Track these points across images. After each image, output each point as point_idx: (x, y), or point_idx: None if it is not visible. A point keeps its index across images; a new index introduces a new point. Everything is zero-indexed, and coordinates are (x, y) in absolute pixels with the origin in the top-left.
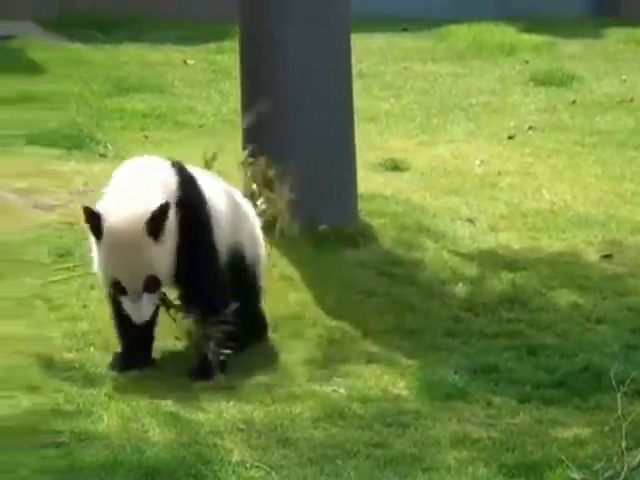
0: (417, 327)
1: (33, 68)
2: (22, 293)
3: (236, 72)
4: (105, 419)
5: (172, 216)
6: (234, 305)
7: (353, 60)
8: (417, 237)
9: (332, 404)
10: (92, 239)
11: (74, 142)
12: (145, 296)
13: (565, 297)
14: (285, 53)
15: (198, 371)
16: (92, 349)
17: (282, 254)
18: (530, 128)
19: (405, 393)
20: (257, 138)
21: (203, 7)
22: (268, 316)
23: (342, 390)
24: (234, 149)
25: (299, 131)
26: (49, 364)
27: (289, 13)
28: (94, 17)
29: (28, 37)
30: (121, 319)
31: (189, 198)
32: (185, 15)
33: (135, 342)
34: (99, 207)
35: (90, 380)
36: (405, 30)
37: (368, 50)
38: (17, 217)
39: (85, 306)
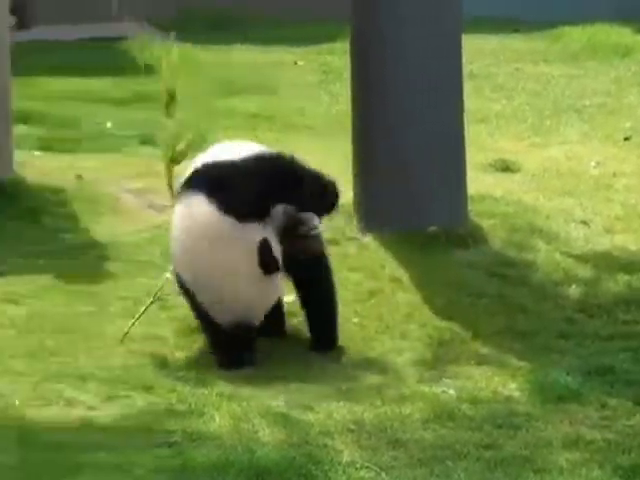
0: (529, 329)
1: (147, 69)
2: (136, 293)
3: (346, 73)
4: (217, 419)
5: None
6: None
7: (464, 61)
8: (529, 238)
9: (442, 405)
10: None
11: (186, 143)
12: None
13: None
14: (396, 53)
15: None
16: (203, 349)
17: (391, 255)
18: None
19: (516, 395)
20: (367, 140)
21: (316, 8)
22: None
23: (452, 391)
24: (343, 150)
25: (409, 131)
26: (162, 364)
27: (401, 13)
28: (207, 18)
29: (142, 38)
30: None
31: None
32: (297, 16)
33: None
34: None
35: (202, 380)
36: (516, 31)
37: (480, 51)
38: (132, 217)
39: None
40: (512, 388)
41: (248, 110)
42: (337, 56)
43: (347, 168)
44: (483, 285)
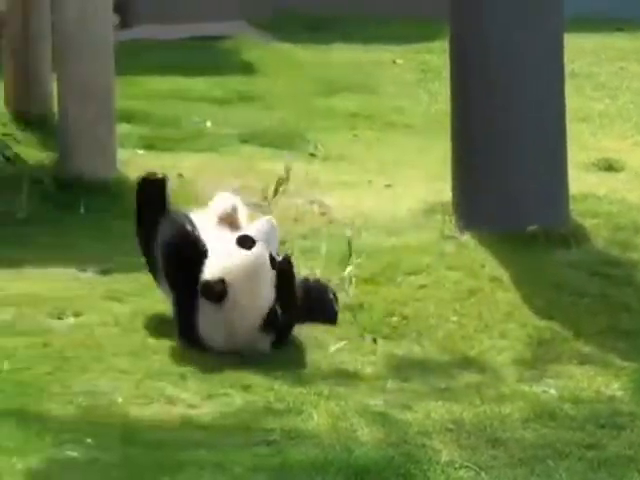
0: (633, 328)
1: (247, 68)
2: None
3: (445, 72)
4: (315, 418)
5: None
6: None
7: (565, 60)
8: (633, 237)
9: (542, 405)
10: None
11: (285, 142)
12: None
13: None
14: (496, 53)
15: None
16: (301, 348)
17: (491, 255)
18: None
19: (619, 394)
20: (466, 139)
21: (414, 6)
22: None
23: (553, 391)
24: (442, 149)
25: (509, 131)
26: (260, 362)
27: (501, 13)
28: (305, 17)
29: (242, 37)
30: None
31: None
32: (395, 15)
33: None
34: None
35: (299, 379)
36: (620, 30)
37: (581, 50)
38: None
39: None
40: (615, 388)
41: (347, 109)
42: (436, 55)
43: (445, 167)
44: (585, 284)
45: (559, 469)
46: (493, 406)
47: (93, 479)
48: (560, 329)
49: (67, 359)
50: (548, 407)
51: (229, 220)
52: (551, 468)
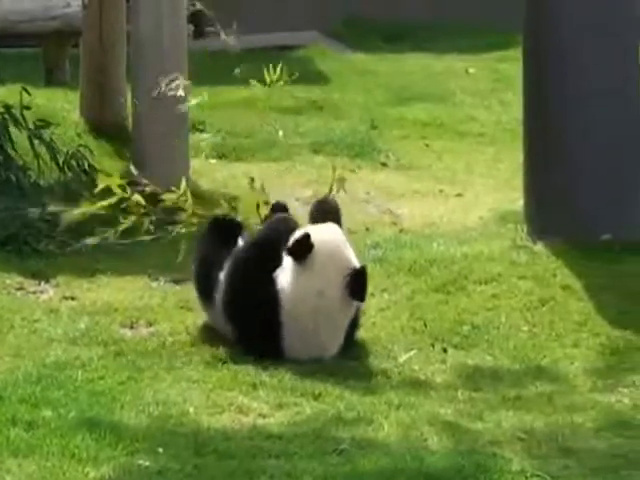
0: None
1: (320, 77)
2: None
3: (518, 81)
4: (385, 427)
5: None
6: None
7: None
8: None
9: (616, 414)
10: None
11: (357, 151)
12: None
13: None
14: (571, 64)
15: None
16: (371, 357)
17: (563, 264)
18: None
19: None
20: (539, 148)
21: (487, 16)
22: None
23: (626, 400)
24: (514, 158)
25: (584, 140)
26: (330, 372)
27: (576, 21)
28: (377, 27)
29: (314, 47)
30: None
31: None
32: (469, 24)
33: None
34: None
35: (369, 388)
36: None
37: None
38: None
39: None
40: None
41: (419, 118)
42: (509, 64)
43: (517, 176)
44: None
45: (633, 479)
46: (565, 415)
47: None
48: (634, 338)
49: (139, 369)
50: (621, 416)
51: None
52: (624, 478)
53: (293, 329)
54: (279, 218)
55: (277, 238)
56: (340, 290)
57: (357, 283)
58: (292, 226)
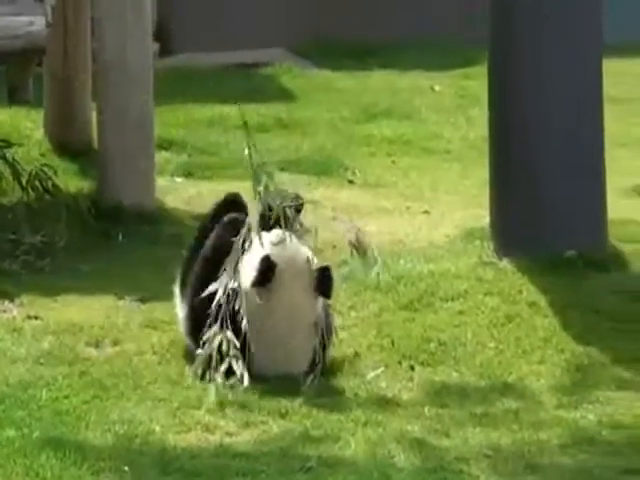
0: None
1: (286, 95)
2: None
3: (484, 98)
4: (352, 445)
5: None
6: None
7: (605, 85)
8: None
9: (581, 430)
10: None
11: (323, 169)
12: None
13: None
14: (534, 76)
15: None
16: (338, 375)
17: (529, 280)
18: None
19: None
20: (504, 165)
21: (450, 32)
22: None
23: (591, 416)
24: (480, 175)
25: (547, 156)
26: (296, 390)
27: (538, 35)
28: (344, 45)
29: (280, 64)
30: None
31: None
32: (434, 41)
33: None
34: None
35: (336, 406)
36: None
37: (621, 75)
38: None
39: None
40: None
41: (385, 135)
42: (475, 81)
43: (483, 193)
44: (624, 310)
45: None
46: (531, 432)
47: None
48: (598, 355)
49: (105, 388)
50: (587, 433)
51: None
52: None
53: (261, 344)
54: (226, 224)
55: (226, 250)
56: (306, 291)
57: (323, 281)
58: (241, 229)
